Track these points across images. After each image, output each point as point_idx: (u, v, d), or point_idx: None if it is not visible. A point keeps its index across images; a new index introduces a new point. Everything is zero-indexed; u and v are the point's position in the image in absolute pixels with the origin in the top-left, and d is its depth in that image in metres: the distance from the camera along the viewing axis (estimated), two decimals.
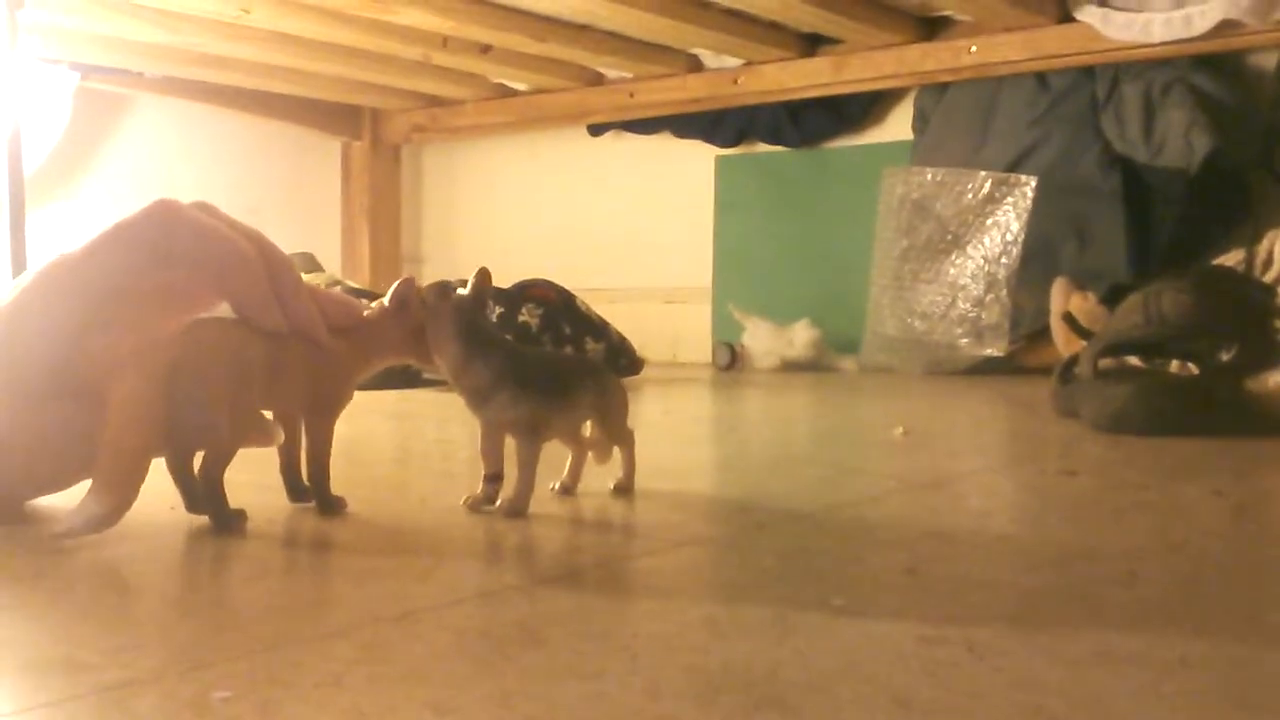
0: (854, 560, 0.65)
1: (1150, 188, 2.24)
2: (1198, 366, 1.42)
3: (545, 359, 0.92)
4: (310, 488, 0.78)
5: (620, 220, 3.08)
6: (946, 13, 2.42)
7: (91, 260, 0.71)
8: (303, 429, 0.78)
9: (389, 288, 0.79)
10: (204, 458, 0.71)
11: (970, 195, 2.36)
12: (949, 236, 2.39)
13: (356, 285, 2.39)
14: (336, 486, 0.80)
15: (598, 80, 2.88)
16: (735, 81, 2.68)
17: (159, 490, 0.76)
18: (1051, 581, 0.60)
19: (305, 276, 2.28)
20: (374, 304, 0.79)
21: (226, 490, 0.72)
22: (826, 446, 1.30)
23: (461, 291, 0.77)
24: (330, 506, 0.78)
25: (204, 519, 0.75)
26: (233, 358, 0.70)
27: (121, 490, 0.66)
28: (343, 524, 0.77)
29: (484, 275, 0.76)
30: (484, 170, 3.35)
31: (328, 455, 0.78)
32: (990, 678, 0.42)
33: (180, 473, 0.72)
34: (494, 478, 0.76)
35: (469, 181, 3.38)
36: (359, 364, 0.78)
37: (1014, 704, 0.40)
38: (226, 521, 0.71)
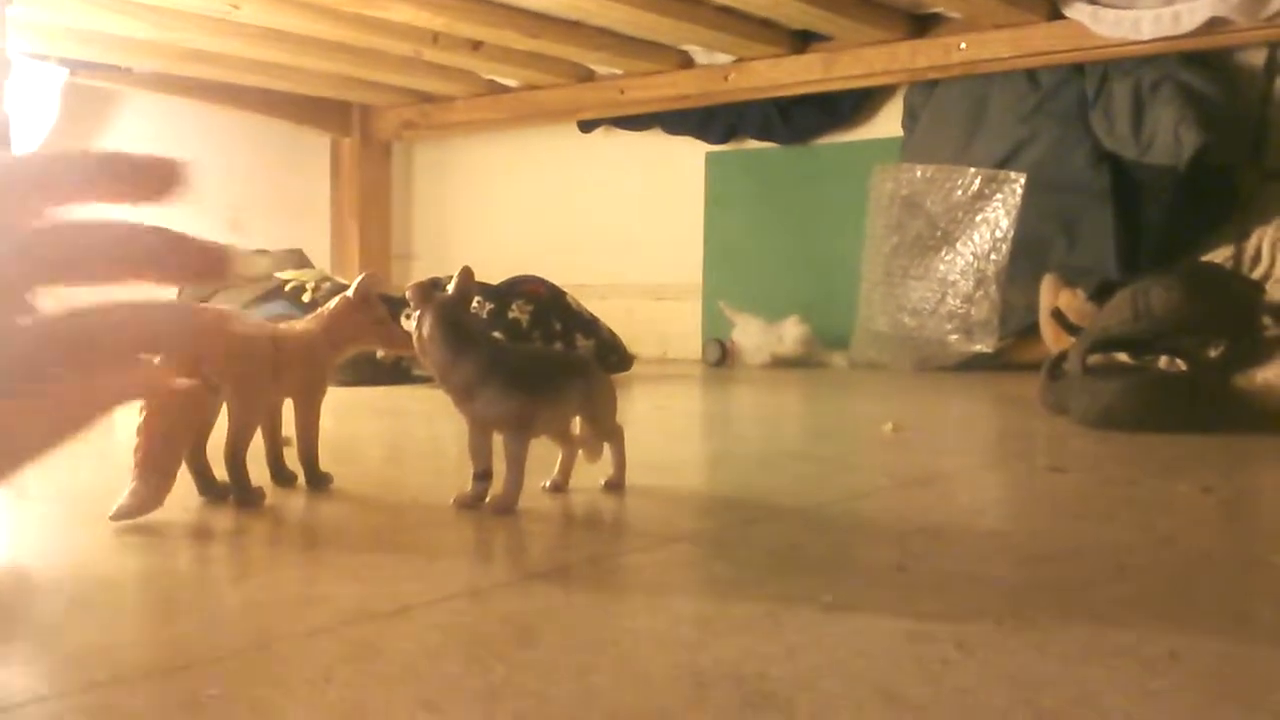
0: (844, 556, 0.65)
1: (1139, 184, 2.25)
2: (1186, 363, 1.42)
3: (531, 355, 0.91)
4: (303, 466, 0.84)
5: (611, 217, 3.08)
6: (937, 10, 2.42)
7: None
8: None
9: (351, 282, 0.85)
10: (228, 439, 0.78)
11: (960, 192, 2.36)
12: (939, 233, 2.39)
13: (345, 282, 2.38)
14: None
15: (588, 77, 2.88)
16: (726, 78, 2.68)
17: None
18: (1041, 577, 0.60)
19: (294, 273, 2.25)
20: (339, 297, 0.84)
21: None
22: (816, 442, 1.30)
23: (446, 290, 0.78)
24: (320, 482, 0.84)
25: (195, 514, 0.75)
26: (243, 350, 0.77)
27: (164, 475, 0.73)
28: (333, 521, 0.77)
29: (467, 274, 0.77)
30: (475, 167, 3.34)
31: (316, 435, 0.84)
32: (979, 673, 0.43)
33: (196, 459, 0.79)
34: (483, 475, 0.76)
35: (459, 178, 3.37)
36: (332, 352, 0.84)
37: (1003, 699, 0.40)
38: (248, 497, 0.78)
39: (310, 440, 0.84)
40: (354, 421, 1.41)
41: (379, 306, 0.84)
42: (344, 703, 0.39)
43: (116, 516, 0.71)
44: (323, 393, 0.84)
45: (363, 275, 0.85)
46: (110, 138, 2.84)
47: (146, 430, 0.73)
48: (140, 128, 2.89)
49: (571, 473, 0.83)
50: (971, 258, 2.35)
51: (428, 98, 3.10)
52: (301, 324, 0.83)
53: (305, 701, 0.40)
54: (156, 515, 0.72)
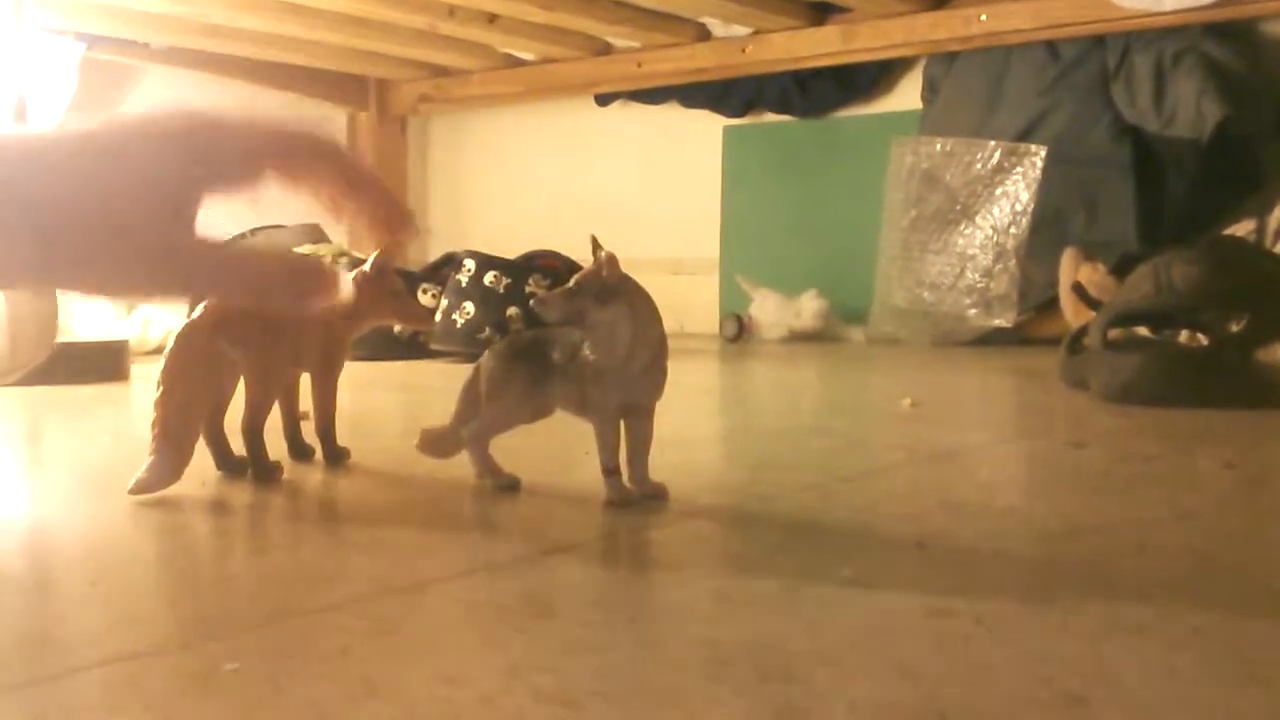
0: (862, 532, 0.65)
1: (1161, 157, 2.23)
2: (1207, 337, 1.41)
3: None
4: (320, 441, 0.84)
5: (627, 191, 3.07)
6: None
7: None
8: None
9: (369, 257, 0.84)
10: (244, 414, 0.78)
11: (979, 165, 2.35)
12: (958, 207, 2.38)
13: (363, 256, 2.38)
14: None
15: (605, 50, 2.86)
16: (743, 51, 2.66)
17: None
18: (1061, 553, 0.60)
19: (311, 248, 2.26)
20: (355, 271, 0.83)
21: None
22: (834, 418, 1.30)
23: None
24: (337, 457, 0.84)
25: (213, 489, 0.75)
26: (265, 321, 0.77)
27: (181, 449, 0.73)
28: (350, 496, 0.77)
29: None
30: (491, 141, 3.33)
31: (334, 410, 0.84)
32: (999, 650, 0.42)
33: (214, 433, 0.79)
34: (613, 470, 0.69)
35: (476, 152, 3.37)
36: (348, 326, 0.84)
37: (1023, 676, 0.40)
38: (265, 472, 0.78)
39: (328, 415, 0.84)
40: (370, 396, 1.41)
41: (395, 280, 0.84)
42: (363, 676, 0.39)
43: (135, 490, 0.71)
44: (340, 367, 0.84)
45: (378, 250, 0.85)
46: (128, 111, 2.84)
47: (163, 404, 0.73)
48: (157, 103, 2.89)
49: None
50: (991, 231, 2.33)
51: (444, 71, 3.09)
52: None
53: (323, 675, 0.40)
54: (174, 489, 0.73)
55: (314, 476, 0.81)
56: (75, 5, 2.34)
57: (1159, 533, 0.64)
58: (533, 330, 0.75)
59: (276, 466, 0.79)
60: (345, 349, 0.84)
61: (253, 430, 0.78)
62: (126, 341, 1.73)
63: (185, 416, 0.74)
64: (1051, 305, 2.17)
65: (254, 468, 0.78)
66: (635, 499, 0.69)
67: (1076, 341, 1.42)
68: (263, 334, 0.77)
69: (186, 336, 0.75)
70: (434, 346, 1.98)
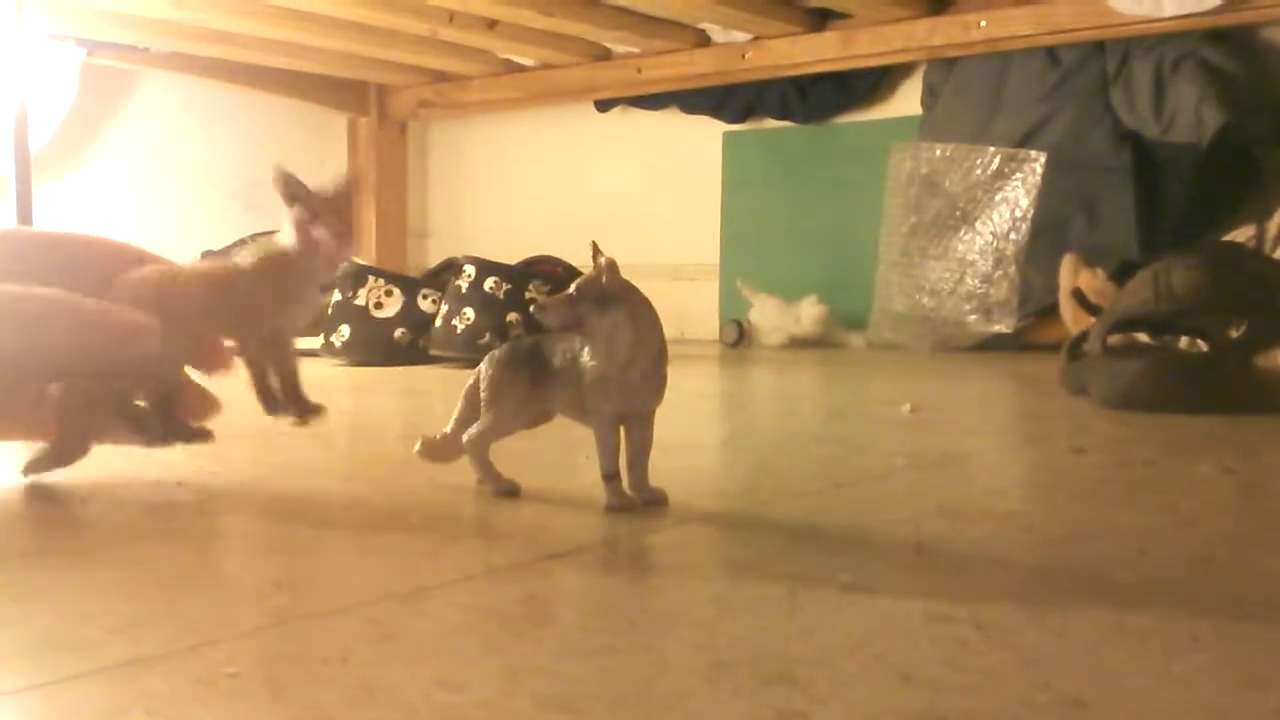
0: (862, 537, 0.65)
1: (1160, 163, 2.23)
2: (1207, 343, 1.41)
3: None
4: (291, 400, 0.80)
5: (627, 196, 3.07)
6: None
7: None
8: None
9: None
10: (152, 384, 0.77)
11: (979, 171, 2.35)
12: (957, 213, 2.38)
13: (362, 261, 2.38)
14: (344, 464, 0.81)
15: (605, 55, 2.86)
16: (743, 57, 2.66)
17: (164, 467, 0.76)
18: (1061, 559, 0.60)
19: None
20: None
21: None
22: (834, 424, 1.30)
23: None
24: (308, 411, 0.80)
25: (211, 493, 0.75)
26: (173, 298, 0.76)
27: (77, 434, 0.74)
28: (349, 500, 0.77)
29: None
30: (490, 146, 3.33)
31: (292, 368, 0.80)
32: (999, 655, 0.42)
33: (158, 403, 0.77)
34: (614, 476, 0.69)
35: (475, 157, 3.37)
36: (280, 298, 0.80)
37: (1023, 681, 0.40)
38: (178, 433, 0.77)
39: (291, 373, 0.80)
40: (371, 401, 1.41)
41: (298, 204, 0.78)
42: (362, 681, 0.39)
43: (26, 470, 0.74)
44: (256, 332, 0.80)
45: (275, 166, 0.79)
46: (128, 118, 2.84)
47: (63, 391, 0.74)
48: (158, 108, 2.89)
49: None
50: (991, 237, 2.33)
51: (444, 77, 3.09)
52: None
53: (323, 680, 0.40)
54: (173, 494, 0.73)
55: (312, 481, 0.81)
56: (76, 10, 2.35)
57: (1158, 538, 0.64)
58: (533, 336, 0.75)
59: (192, 429, 0.78)
60: (272, 316, 0.80)
61: (160, 398, 0.77)
62: None
63: (82, 404, 0.74)
64: (1051, 311, 2.17)
65: (165, 430, 0.77)
66: (635, 504, 0.69)
67: (1076, 347, 1.42)
68: (175, 307, 0.76)
69: None
70: (434, 352, 1.98)
